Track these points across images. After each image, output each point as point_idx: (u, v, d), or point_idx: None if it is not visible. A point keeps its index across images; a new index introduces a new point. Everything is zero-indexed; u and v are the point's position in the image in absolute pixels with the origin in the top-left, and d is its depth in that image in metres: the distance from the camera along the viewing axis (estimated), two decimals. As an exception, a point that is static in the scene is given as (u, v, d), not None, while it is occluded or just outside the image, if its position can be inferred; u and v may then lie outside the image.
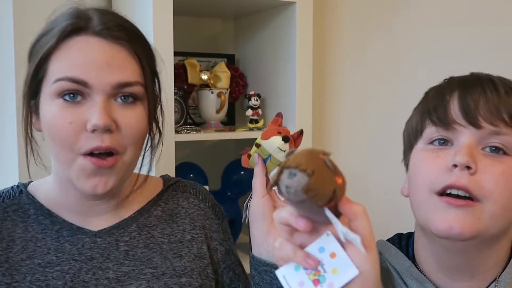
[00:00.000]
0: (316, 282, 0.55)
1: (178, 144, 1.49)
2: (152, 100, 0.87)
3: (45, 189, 0.92)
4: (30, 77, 0.83)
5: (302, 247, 0.57)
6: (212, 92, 1.70)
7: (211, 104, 1.71)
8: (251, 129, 1.72)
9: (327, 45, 1.83)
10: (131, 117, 0.82)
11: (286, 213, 0.58)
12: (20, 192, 0.92)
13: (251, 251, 0.83)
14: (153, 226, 0.93)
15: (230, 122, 1.92)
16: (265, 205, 0.80)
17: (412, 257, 0.82)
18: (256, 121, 1.74)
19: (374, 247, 0.57)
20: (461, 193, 0.70)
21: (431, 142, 0.76)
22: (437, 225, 0.71)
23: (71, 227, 0.88)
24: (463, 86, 0.75)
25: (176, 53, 1.51)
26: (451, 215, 0.70)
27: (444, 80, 0.80)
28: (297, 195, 0.52)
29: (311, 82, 1.70)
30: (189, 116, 1.76)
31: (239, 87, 1.85)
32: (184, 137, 1.54)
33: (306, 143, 1.71)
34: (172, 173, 1.43)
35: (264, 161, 0.83)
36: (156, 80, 0.92)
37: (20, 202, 0.91)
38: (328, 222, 0.56)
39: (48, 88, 0.80)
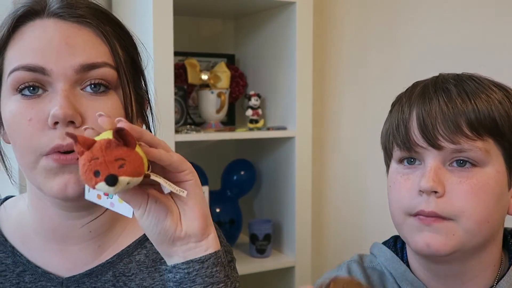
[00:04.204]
0: (106, 193, 0.62)
1: (178, 144, 1.49)
2: (129, 89, 0.71)
3: (19, 211, 0.79)
4: None
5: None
6: (212, 92, 1.70)
7: (211, 104, 1.71)
8: (251, 129, 1.72)
9: (327, 45, 1.83)
10: (101, 107, 0.67)
11: None
12: None
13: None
14: (131, 275, 0.76)
15: (230, 122, 1.92)
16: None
17: (406, 261, 0.82)
18: (256, 121, 1.74)
19: None
20: (432, 214, 0.71)
21: (401, 162, 0.76)
22: (415, 245, 0.73)
23: (35, 270, 0.74)
24: (421, 101, 0.74)
25: (176, 53, 1.51)
26: (425, 234, 0.71)
27: (408, 88, 0.80)
28: None
29: (311, 82, 1.70)
30: (189, 116, 1.76)
31: (239, 87, 1.85)
32: (184, 137, 1.54)
33: (305, 143, 1.71)
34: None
35: None
36: (141, 75, 0.77)
37: None
38: None
39: (5, 84, 0.68)
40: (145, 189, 0.60)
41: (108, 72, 0.68)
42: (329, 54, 1.82)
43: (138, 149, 0.56)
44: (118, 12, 1.59)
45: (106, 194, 0.64)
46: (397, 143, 0.75)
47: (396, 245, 0.85)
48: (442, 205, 0.70)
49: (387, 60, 1.63)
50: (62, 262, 0.75)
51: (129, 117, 0.71)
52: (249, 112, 1.74)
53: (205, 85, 1.73)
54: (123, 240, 0.78)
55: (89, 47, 0.68)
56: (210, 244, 0.62)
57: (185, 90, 1.69)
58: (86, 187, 0.64)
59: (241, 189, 1.84)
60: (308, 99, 1.70)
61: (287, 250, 1.76)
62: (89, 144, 0.54)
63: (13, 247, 0.76)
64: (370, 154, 1.70)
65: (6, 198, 0.83)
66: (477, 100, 0.71)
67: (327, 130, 1.85)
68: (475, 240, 0.72)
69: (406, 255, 0.83)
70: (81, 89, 0.67)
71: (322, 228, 1.88)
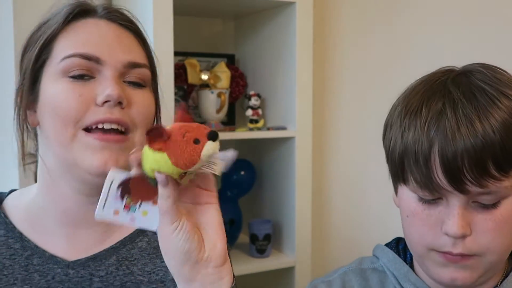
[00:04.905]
0: (127, 207, 0.63)
1: (178, 144, 1.48)
2: (156, 90, 0.85)
3: (28, 199, 0.84)
4: (31, 65, 0.78)
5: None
6: (212, 92, 1.70)
7: (211, 104, 1.71)
8: (251, 129, 1.72)
9: (327, 45, 1.83)
10: (141, 96, 0.79)
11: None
12: None
13: None
14: (134, 260, 0.82)
15: (230, 122, 1.92)
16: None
17: (409, 262, 0.82)
18: (256, 121, 1.74)
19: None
20: (459, 255, 0.71)
21: (420, 197, 0.72)
22: (439, 278, 0.73)
23: (43, 254, 0.80)
24: (443, 136, 0.68)
25: (176, 53, 1.51)
26: (451, 269, 0.72)
27: (418, 108, 0.72)
28: None
29: (311, 82, 1.70)
30: (189, 116, 1.76)
31: (239, 87, 1.85)
32: (184, 137, 1.54)
33: (306, 143, 1.71)
34: (172, 173, 1.43)
35: None
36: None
37: None
38: None
39: (53, 68, 0.76)
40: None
41: (146, 73, 0.80)
42: (329, 54, 1.82)
43: None
44: (118, 12, 1.59)
45: (127, 208, 0.62)
46: (416, 179, 0.70)
47: (398, 246, 0.85)
48: (469, 245, 0.69)
49: (387, 60, 1.63)
50: (69, 246, 0.81)
51: (158, 114, 0.85)
52: (249, 112, 1.74)
53: (205, 85, 1.73)
54: (127, 227, 0.84)
55: (133, 48, 0.80)
56: (227, 272, 0.64)
57: (185, 90, 1.70)
58: (99, 206, 0.62)
59: (241, 189, 1.84)
60: (308, 99, 1.70)
61: (287, 250, 1.76)
62: (168, 135, 0.57)
63: (21, 233, 0.81)
64: (370, 154, 1.70)
65: (11, 191, 0.88)
66: (502, 132, 0.67)
67: (327, 130, 1.85)
68: (498, 266, 0.74)
69: (410, 256, 0.83)
70: (122, 81, 0.78)
71: (322, 228, 1.88)
